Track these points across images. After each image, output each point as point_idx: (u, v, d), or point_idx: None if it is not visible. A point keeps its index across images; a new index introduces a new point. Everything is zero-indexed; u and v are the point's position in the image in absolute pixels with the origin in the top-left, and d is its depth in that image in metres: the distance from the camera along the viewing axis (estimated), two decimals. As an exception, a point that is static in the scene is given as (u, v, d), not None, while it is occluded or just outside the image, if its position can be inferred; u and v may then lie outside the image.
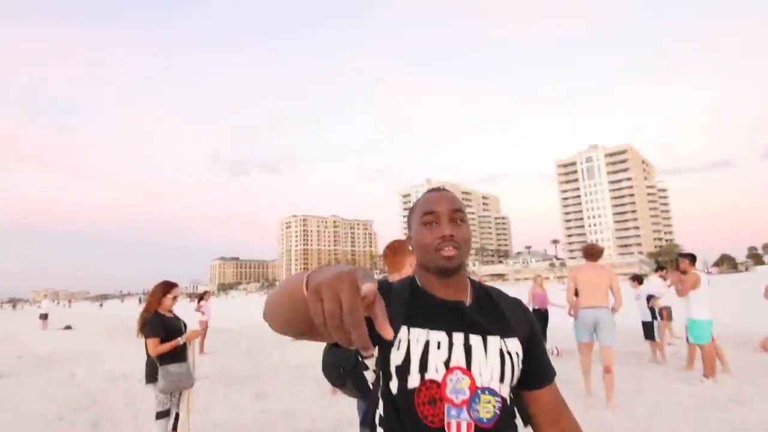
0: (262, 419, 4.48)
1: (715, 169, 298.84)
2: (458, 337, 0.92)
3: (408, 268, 2.29)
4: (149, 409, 3.41)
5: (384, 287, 0.98)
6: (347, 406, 4.62)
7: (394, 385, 0.90)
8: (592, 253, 5.06)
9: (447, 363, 0.89)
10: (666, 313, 7.59)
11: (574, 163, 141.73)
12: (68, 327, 18.24)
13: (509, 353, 0.93)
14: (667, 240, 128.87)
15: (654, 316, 6.91)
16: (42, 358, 9.54)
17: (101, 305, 65.99)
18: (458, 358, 0.90)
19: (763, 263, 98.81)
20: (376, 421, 0.93)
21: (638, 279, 7.59)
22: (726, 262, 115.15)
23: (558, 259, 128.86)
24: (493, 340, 0.93)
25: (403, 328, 0.91)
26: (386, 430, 0.91)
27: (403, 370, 0.89)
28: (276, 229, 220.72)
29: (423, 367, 0.89)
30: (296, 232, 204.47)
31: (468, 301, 0.99)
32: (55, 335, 15.36)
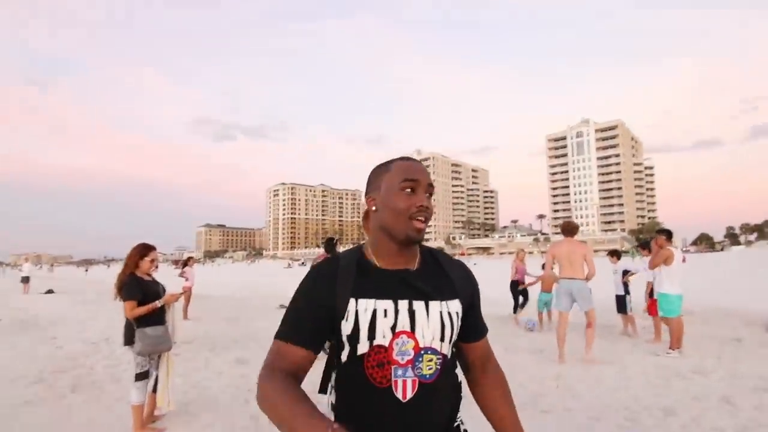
0: (242, 383, 4.57)
1: (703, 149, 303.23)
2: (403, 304, 0.98)
3: None
4: (130, 372, 3.45)
5: (332, 264, 1.04)
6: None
7: (344, 353, 0.99)
8: (569, 229, 5.55)
9: (393, 328, 0.96)
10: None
11: (564, 138, 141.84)
12: (50, 291, 18.08)
13: (450, 314, 1.01)
14: (650, 218, 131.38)
15: (627, 291, 7.12)
16: (23, 321, 9.48)
17: (86, 270, 65.12)
18: (403, 323, 0.97)
19: (739, 244, 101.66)
20: (331, 386, 1.04)
21: (616, 254, 7.77)
22: (704, 241, 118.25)
23: (543, 234, 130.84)
24: (435, 304, 1.00)
25: (352, 301, 0.97)
26: (339, 394, 1.00)
27: (353, 338, 0.97)
28: (263, 196, 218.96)
29: (371, 334, 0.95)
30: (284, 200, 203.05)
31: (415, 267, 1.04)
32: (36, 299, 15.25)
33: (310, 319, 0.99)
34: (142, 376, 3.31)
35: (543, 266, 6.37)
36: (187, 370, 5.08)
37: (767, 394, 3.76)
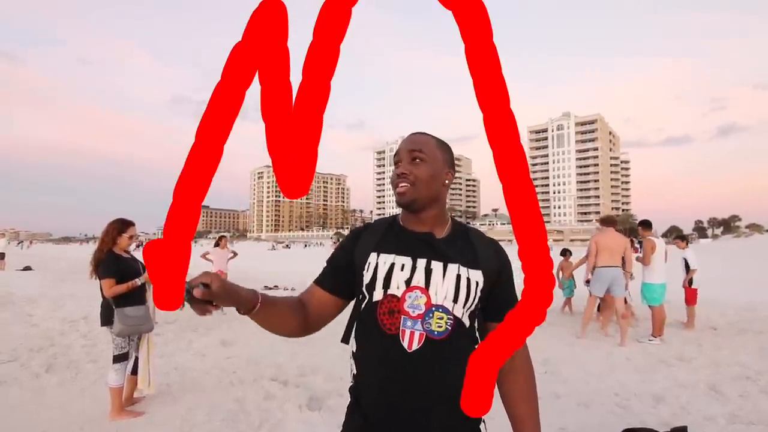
0: (226, 365, 4.45)
1: (673, 145, 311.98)
2: (421, 262, 1.05)
3: None
4: (109, 353, 3.29)
5: (365, 225, 1.20)
6: (313, 354, 4.66)
7: (363, 303, 1.09)
8: (613, 221, 6.02)
9: (408, 282, 1.03)
10: None
11: (545, 130, 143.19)
12: (28, 268, 17.35)
13: (468, 280, 1.05)
14: (624, 210, 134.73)
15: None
16: (-6, 298, 9.07)
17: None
18: (419, 279, 1.03)
19: (706, 237, 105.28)
20: (353, 336, 1.13)
21: (684, 239, 7.29)
22: (674, 234, 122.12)
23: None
24: (453, 267, 1.05)
25: (373, 254, 1.08)
26: (357, 342, 1.10)
27: (370, 287, 1.06)
28: (246, 178, 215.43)
29: (386, 284, 1.04)
30: (268, 182, 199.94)
31: (442, 235, 1.12)
32: (12, 276, 14.60)
33: (336, 267, 1.14)
34: (120, 358, 3.17)
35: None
36: (169, 351, 4.93)
37: (750, 382, 3.85)
